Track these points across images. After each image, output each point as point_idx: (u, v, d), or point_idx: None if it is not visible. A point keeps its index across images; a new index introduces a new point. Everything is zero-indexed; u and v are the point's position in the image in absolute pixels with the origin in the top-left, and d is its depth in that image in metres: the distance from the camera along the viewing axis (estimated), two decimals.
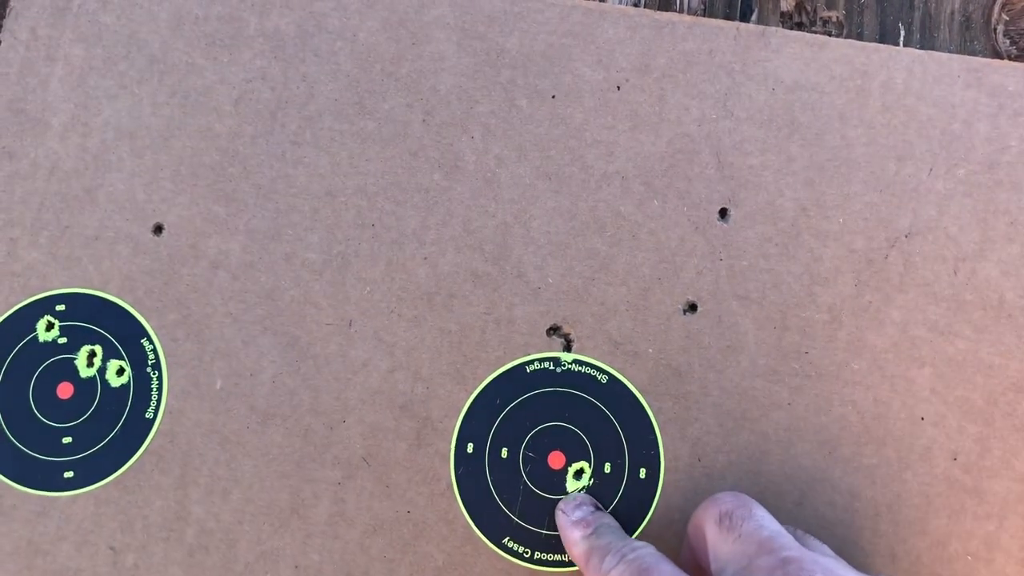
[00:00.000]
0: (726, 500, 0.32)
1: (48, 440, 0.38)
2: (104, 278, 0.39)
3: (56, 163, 0.40)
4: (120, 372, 0.38)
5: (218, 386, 0.38)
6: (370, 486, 0.37)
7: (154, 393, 0.38)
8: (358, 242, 0.39)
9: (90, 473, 0.38)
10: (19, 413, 0.38)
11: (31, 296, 0.39)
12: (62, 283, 0.39)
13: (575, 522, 0.35)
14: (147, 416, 0.38)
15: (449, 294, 0.38)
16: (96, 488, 0.38)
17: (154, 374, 0.38)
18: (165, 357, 0.38)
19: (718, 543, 0.30)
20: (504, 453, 0.37)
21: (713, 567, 0.30)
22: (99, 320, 0.39)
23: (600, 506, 0.37)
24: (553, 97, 0.40)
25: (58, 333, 0.39)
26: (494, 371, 0.38)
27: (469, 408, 0.38)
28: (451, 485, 0.37)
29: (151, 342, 0.38)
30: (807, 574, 0.26)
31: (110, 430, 0.38)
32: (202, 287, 0.39)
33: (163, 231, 0.39)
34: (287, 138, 0.40)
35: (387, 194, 0.39)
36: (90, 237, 0.39)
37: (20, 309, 0.39)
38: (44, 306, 0.39)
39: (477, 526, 0.37)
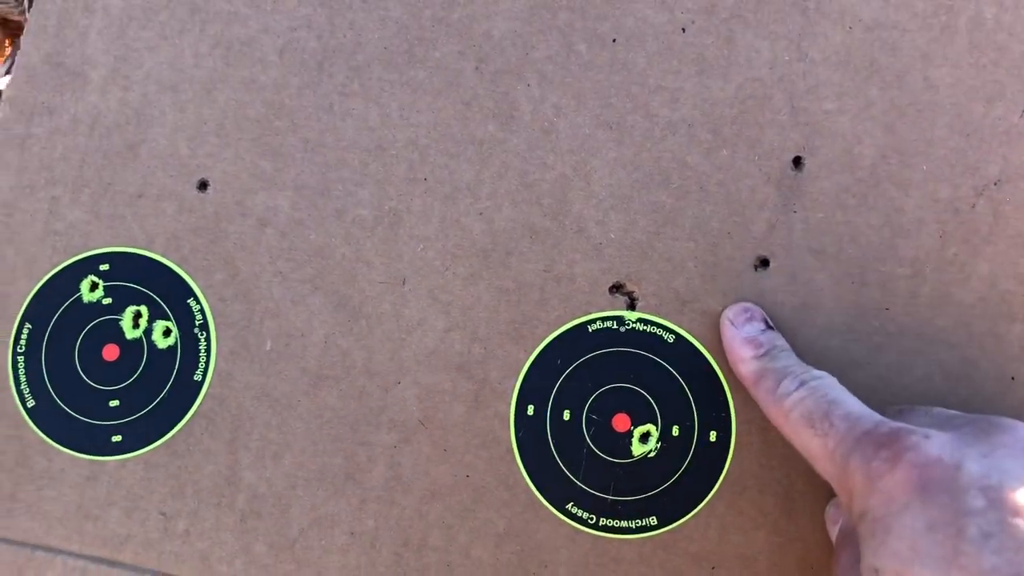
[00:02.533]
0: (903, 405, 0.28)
1: (95, 403, 0.34)
2: (149, 237, 0.34)
3: (97, 118, 0.35)
4: (167, 333, 0.34)
5: (268, 347, 0.34)
6: (427, 450, 0.33)
7: (202, 354, 0.34)
8: (410, 197, 0.34)
9: (138, 437, 0.33)
10: (65, 376, 0.34)
11: (74, 256, 0.34)
12: (105, 242, 0.35)
13: (747, 339, 0.31)
14: (195, 378, 0.34)
15: (506, 251, 0.33)
16: (145, 452, 0.33)
17: (202, 335, 0.34)
18: (213, 317, 0.34)
19: (910, 419, 0.27)
20: (566, 415, 0.33)
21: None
22: (144, 280, 0.34)
23: (771, 322, 0.32)
24: (614, 41, 0.34)
25: (103, 293, 0.34)
26: (554, 331, 0.33)
27: (529, 369, 0.33)
28: (511, 448, 0.33)
29: (198, 302, 0.34)
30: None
31: (158, 393, 0.34)
32: (250, 245, 0.34)
33: (208, 187, 0.35)
34: (335, 89, 0.35)
35: (439, 146, 0.34)
36: (133, 195, 0.35)
37: (63, 269, 0.34)
38: (88, 266, 0.34)
39: (539, 491, 0.32)
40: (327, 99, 0.36)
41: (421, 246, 0.35)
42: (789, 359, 0.30)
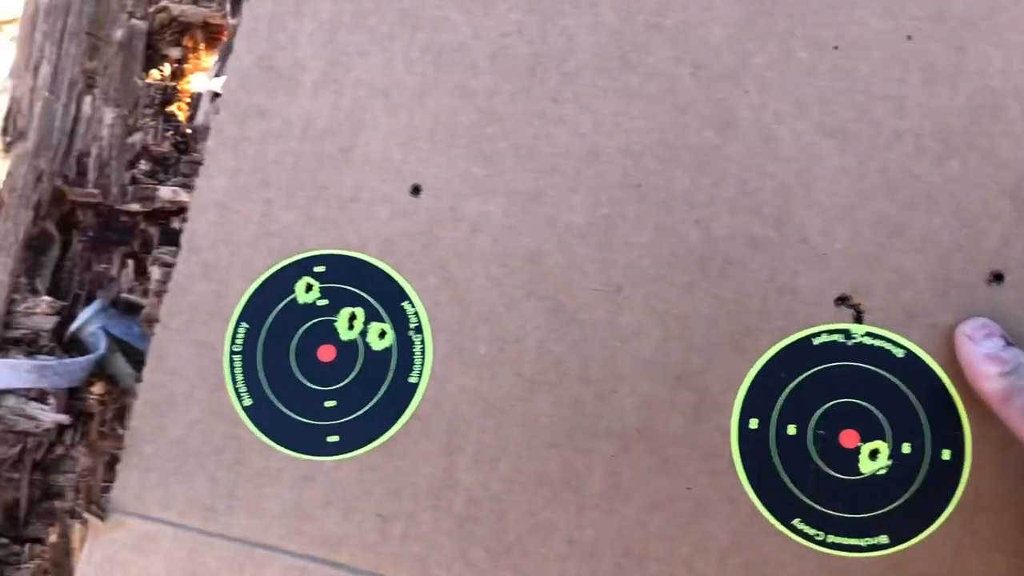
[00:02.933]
0: None
1: (311, 403, 0.34)
2: (362, 240, 0.34)
3: (309, 122, 0.35)
4: (382, 335, 0.34)
5: (482, 351, 0.33)
6: (647, 460, 0.32)
7: (417, 357, 0.34)
8: (624, 204, 0.33)
9: (354, 438, 0.33)
10: (281, 375, 0.34)
11: (289, 257, 0.35)
12: (319, 244, 0.35)
13: (989, 356, 0.30)
14: (411, 380, 0.33)
15: (725, 260, 0.33)
16: (361, 453, 0.33)
17: (417, 338, 0.34)
18: (428, 321, 0.34)
19: None
20: (791, 430, 0.32)
21: None
22: (359, 282, 0.34)
23: (1009, 338, 0.31)
24: (836, 48, 0.33)
25: (318, 295, 0.34)
26: (777, 343, 0.32)
27: (751, 382, 0.32)
28: (733, 462, 0.32)
29: (413, 305, 0.34)
30: None
31: (374, 394, 0.34)
32: (463, 250, 0.34)
33: (421, 192, 0.34)
34: (546, 95, 0.34)
35: (654, 153, 0.34)
36: (347, 198, 0.35)
37: (280, 270, 0.34)
38: (303, 267, 0.34)
39: (764, 506, 0.31)
40: (539, 105, 0.35)
41: (636, 253, 0.34)
42: None
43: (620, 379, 0.33)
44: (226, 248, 0.36)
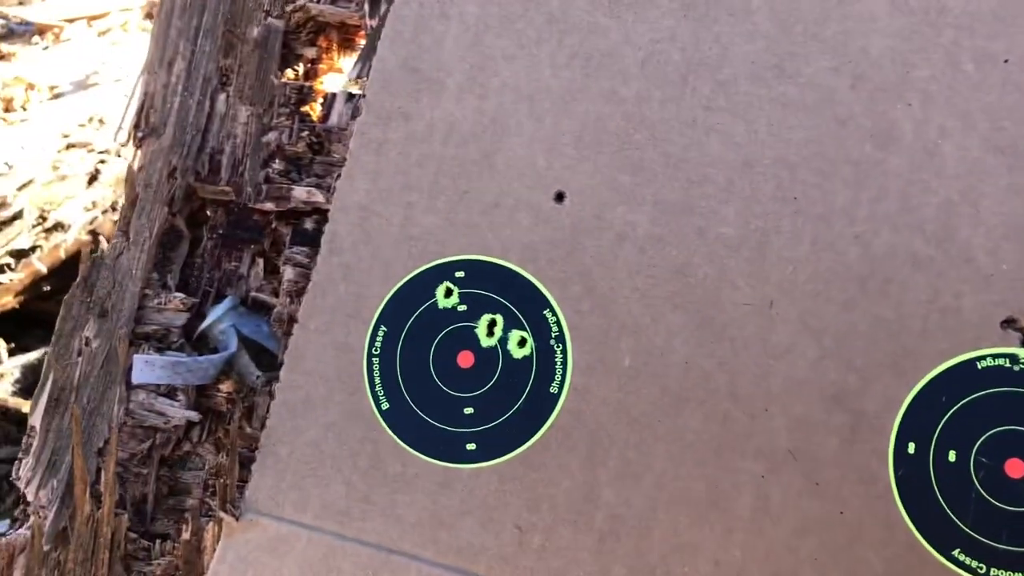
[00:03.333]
0: None
1: (449, 409, 0.34)
2: (504, 246, 0.34)
3: (452, 126, 0.35)
4: (522, 343, 0.34)
5: (626, 363, 0.33)
6: (798, 482, 0.31)
7: (558, 367, 0.33)
8: (779, 217, 0.33)
9: (493, 446, 0.33)
10: (420, 380, 0.34)
11: (430, 262, 0.35)
12: (460, 249, 0.35)
13: None
14: (551, 391, 0.33)
15: (885, 278, 0.32)
16: (500, 463, 0.33)
17: (558, 347, 0.33)
18: (569, 330, 0.33)
19: None
20: (952, 456, 0.31)
21: None
22: (499, 289, 0.34)
23: None
24: (1006, 61, 0.32)
25: (458, 300, 0.34)
26: (938, 366, 0.31)
27: (910, 404, 0.31)
28: (890, 487, 0.31)
29: (554, 314, 0.34)
30: None
31: (513, 403, 0.33)
32: (607, 259, 0.34)
33: (565, 199, 0.34)
34: (699, 103, 0.34)
35: (811, 165, 0.33)
36: (489, 204, 0.35)
37: (420, 274, 0.35)
38: (443, 272, 0.34)
39: (921, 534, 0.30)
40: (690, 113, 0.35)
41: (791, 268, 0.33)
42: None
43: (772, 398, 0.33)
44: (367, 250, 0.36)
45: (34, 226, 1.06)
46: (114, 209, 1.14)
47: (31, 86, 1.15)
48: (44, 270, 1.05)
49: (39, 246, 1.05)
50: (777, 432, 0.33)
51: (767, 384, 0.33)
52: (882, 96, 0.34)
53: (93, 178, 1.15)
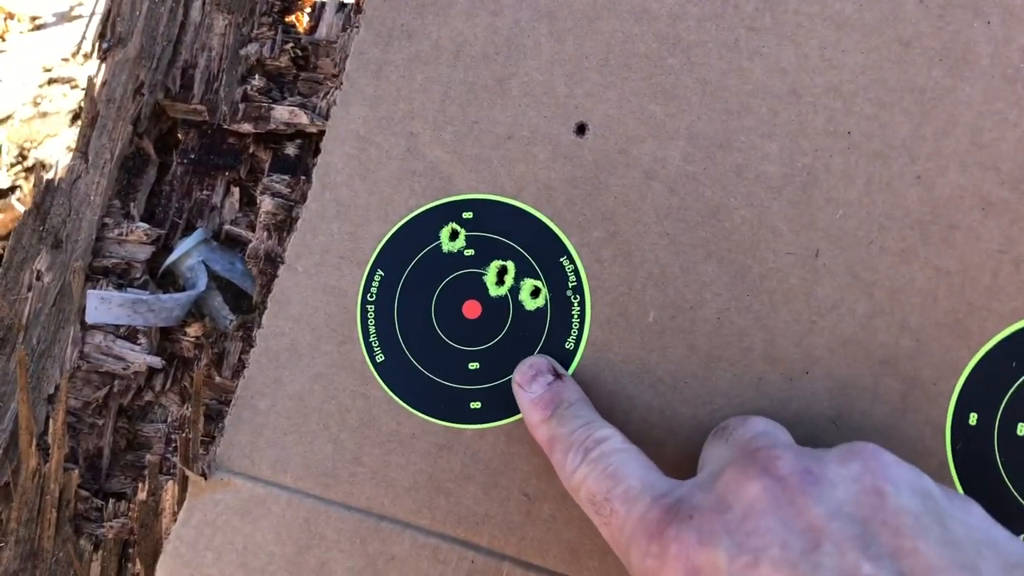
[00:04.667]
0: (729, 418, 0.28)
1: (452, 364, 0.32)
2: (517, 184, 0.32)
3: (461, 46, 0.33)
4: (535, 293, 0.31)
5: (651, 318, 0.31)
6: None
7: (575, 321, 0.31)
8: (829, 154, 0.30)
9: (500, 406, 0.31)
10: (420, 331, 0.32)
11: (434, 200, 0.32)
12: (469, 187, 0.32)
13: (533, 401, 0.29)
14: (567, 346, 0.31)
15: (949, 224, 0.29)
16: (507, 423, 0.31)
17: (575, 299, 0.31)
18: (588, 280, 0.31)
19: (706, 450, 0.28)
20: (1020, 429, 0.28)
21: (698, 472, 0.27)
22: (511, 232, 0.32)
23: (560, 370, 0.31)
24: None
25: (464, 244, 0.32)
26: (1008, 326, 0.29)
27: (973, 370, 0.29)
28: (946, 461, 0.29)
29: (572, 262, 0.31)
30: (773, 459, 0.24)
31: (523, 358, 0.31)
32: (633, 201, 0.31)
33: (587, 132, 0.32)
34: (741, 22, 0.31)
35: (868, 94, 0.30)
36: (501, 136, 0.32)
37: (421, 214, 0.32)
38: (448, 212, 0.32)
39: None
40: (732, 34, 0.32)
41: (840, 212, 0.31)
42: (575, 419, 0.28)
43: (813, 360, 0.31)
44: (363, 185, 0.33)
45: (13, 165, 1.04)
46: None
47: (11, 15, 1.12)
48: (22, 211, 1.04)
49: (18, 186, 1.04)
50: (818, 398, 0.30)
51: (808, 344, 0.31)
52: (955, 12, 0.31)
53: (76, 116, 1.13)
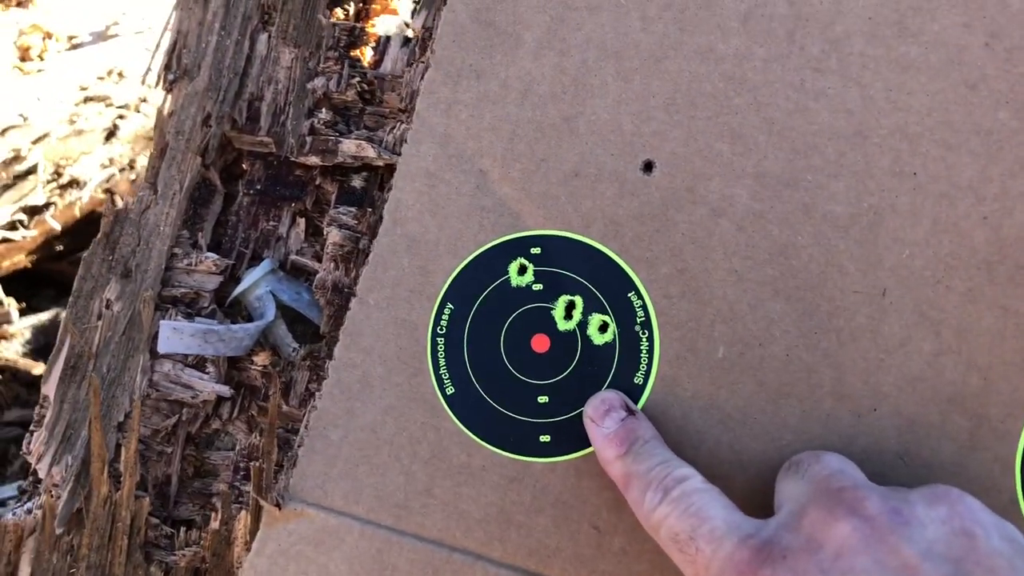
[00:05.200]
0: (801, 453, 0.30)
1: (522, 397, 0.33)
2: (585, 220, 0.33)
3: (529, 85, 0.34)
4: (603, 328, 0.32)
5: (720, 354, 0.32)
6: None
7: (643, 356, 0.32)
8: (895, 194, 0.31)
9: (569, 439, 0.32)
10: (489, 364, 0.33)
11: (503, 236, 0.33)
12: (537, 223, 0.33)
13: (607, 437, 0.30)
14: (636, 381, 0.32)
15: (1016, 265, 0.30)
16: (577, 457, 0.32)
17: (643, 334, 0.32)
18: (656, 316, 0.32)
19: (781, 486, 0.29)
20: None
21: (775, 511, 0.28)
22: (579, 267, 0.33)
23: (632, 406, 0.31)
24: None
25: (532, 278, 0.33)
26: None
27: None
28: (1016, 499, 0.30)
29: (640, 297, 0.32)
30: (860, 500, 0.25)
31: (592, 392, 0.32)
32: (701, 237, 0.32)
33: (654, 169, 0.33)
34: (807, 64, 0.32)
35: (934, 136, 0.31)
36: (569, 173, 0.33)
37: (490, 249, 0.33)
38: (517, 247, 0.33)
39: None
40: (798, 75, 0.33)
41: (907, 252, 0.31)
42: (652, 456, 0.29)
43: (881, 397, 0.31)
44: (433, 221, 0.35)
45: (48, 182, 1.06)
46: (132, 167, 1.14)
47: (48, 35, 1.15)
48: (58, 228, 1.05)
49: (53, 203, 1.06)
50: (886, 434, 0.31)
51: (876, 381, 0.31)
52: (1022, 55, 0.32)
53: (111, 134, 1.15)
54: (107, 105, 1.16)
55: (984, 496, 0.30)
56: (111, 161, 1.15)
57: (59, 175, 1.11)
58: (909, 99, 0.32)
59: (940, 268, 0.32)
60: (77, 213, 1.10)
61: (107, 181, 1.13)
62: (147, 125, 1.17)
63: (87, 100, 1.15)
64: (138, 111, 1.17)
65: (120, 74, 1.19)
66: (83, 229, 1.12)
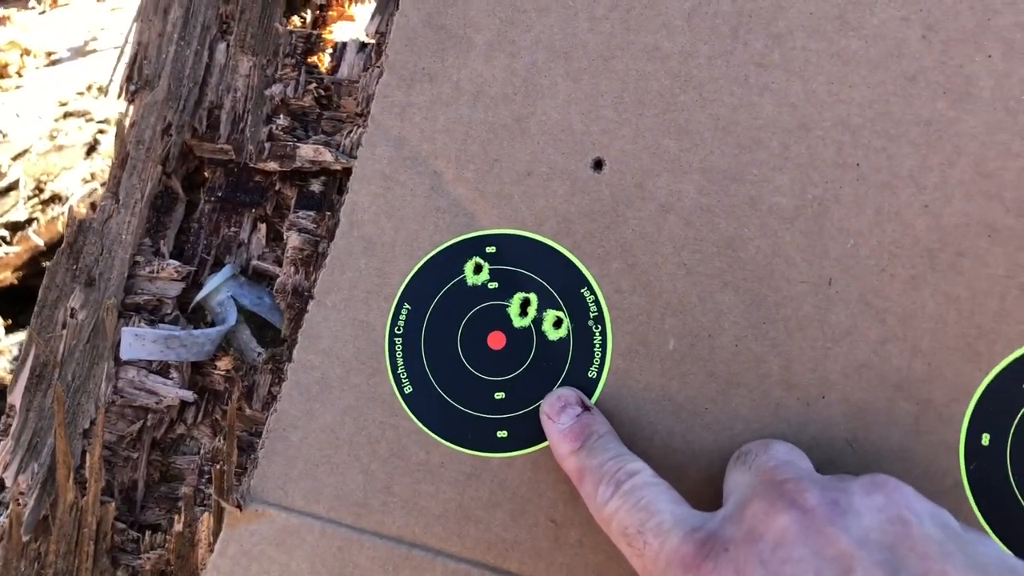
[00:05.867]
0: (750, 442, 0.31)
1: (479, 394, 0.33)
2: (538, 219, 0.34)
3: (481, 87, 0.35)
4: (558, 324, 0.33)
5: (671, 346, 0.32)
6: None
7: (597, 350, 0.33)
8: (839, 185, 0.32)
9: (526, 434, 0.33)
10: (447, 362, 0.34)
11: (458, 235, 0.34)
12: (491, 223, 0.34)
13: (563, 432, 0.31)
14: (589, 375, 0.33)
15: (957, 252, 0.31)
16: (533, 451, 0.33)
17: (596, 328, 0.33)
18: (608, 310, 0.33)
19: (729, 476, 0.30)
20: None
21: (724, 500, 0.29)
22: (533, 265, 0.33)
23: (588, 402, 0.32)
24: None
25: (488, 277, 0.34)
26: (1017, 349, 0.30)
27: (984, 392, 0.30)
28: (961, 482, 0.30)
29: (592, 292, 0.33)
30: (800, 492, 0.25)
31: (548, 388, 0.33)
32: (650, 233, 0.33)
33: (604, 167, 0.34)
34: (751, 59, 0.33)
35: (875, 127, 0.32)
36: (521, 172, 0.34)
37: (446, 248, 0.34)
38: (473, 246, 0.34)
39: (996, 533, 0.30)
40: (741, 71, 0.34)
41: (851, 242, 0.32)
42: (605, 451, 0.30)
43: (829, 384, 0.32)
44: (389, 223, 0.35)
45: (30, 198, 1.06)
46: None
47: (27, 51, 1.15)
48: (42, 244, 1.06)
49: (35, 219, 1.06)
50: (834, 421, 0.32)
51: (824, 369, 0.32)
52: (958, 47, 0.32)
53: (92, 148, 1.16)
54: (87, 120, 1.16)
55: (930, 480, 0.31)
56: (92, 176, 1.16)
57: (40, 191, 1.11)
58: (851, 91, 0.33)
59: (884, 257, 0.32)
60: (60, 228, 1.11)
61: (89, 196, 1.14)
62: None
63: (67, 115, 1.15)
64: (111, 124, 1.18)
65: (100, 89, 1.19)
66: None
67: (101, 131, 1.15)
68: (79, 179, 1.14)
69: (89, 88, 1.19)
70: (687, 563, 0.25)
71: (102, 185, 1.13)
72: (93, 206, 1.13)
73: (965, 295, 0.32)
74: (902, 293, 0.32)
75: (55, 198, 1.11)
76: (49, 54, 1.17)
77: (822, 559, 0.23)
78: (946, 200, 0.32)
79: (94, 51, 1.20)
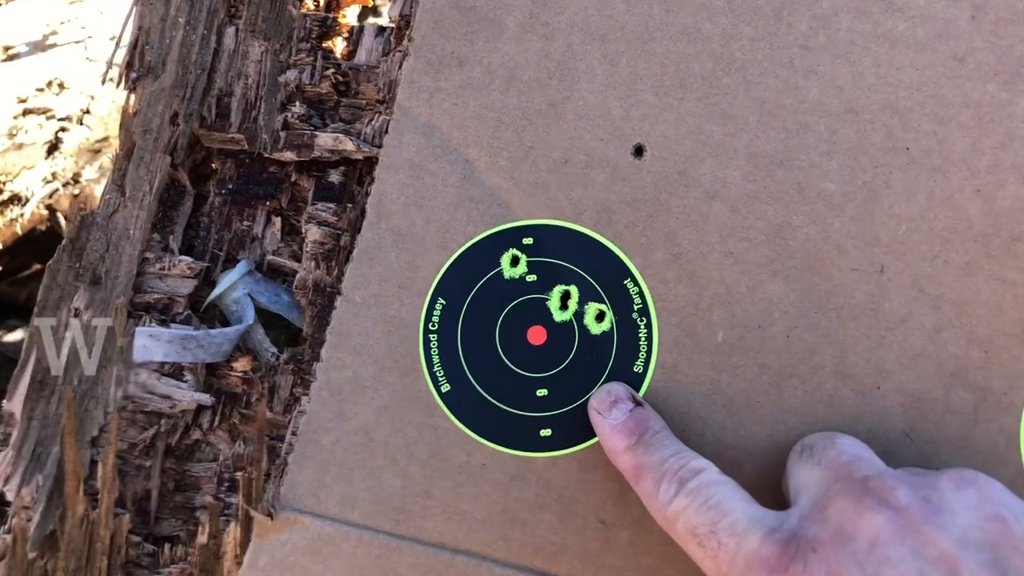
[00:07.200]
0: (811, 435, 0.30)
1: (520, 392, 0.33)
2: (576, 208, 0.33)
3: (514, 71, 0.34)
4: (600, 317, 0.32)
5: (719, 339, 0.32)
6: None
7: (642, 343, 0.32)
8: (889, 170, 0.32)
9: (571, 432, 0.32)
10: (485, 359, 0.33)
11: (493, 227, 0.33)
12: (528, 213, 0.33)
13: (616, 428, 0.30)
14: (635, 369, 0.32)
15: (1011, 236, 0.31)
16: (580, 450, 0.32)
17: (641, 321, 0.32)
18: (653, 302, 0.32)
19: (795, 472, 0.29)
20: None
21: (791, 498, 0.28)
22: (573, 256, 0.33)
23: (639, 397, 0.32)
24: None
25: (526, 269, 0.33)
26: None
27: None
28: (1022, 472, 0.30)
29: (636, 284, 0.32)
30: (889, 490, 0.25)
31: (593, 384, 0.32)
32: (695, 221, 0.32)
33: (644, 153, 0.33)
34: (795, 41, 0.32)
35: (925, 110, 0.32)
36: (558, 160, 0.33)
37: (481, 241, 0.33)
38: (509, 238, 0.33)
39: None
40: (786, 53, 0.33)
41: (903, 228, 0.32)
42: (664, 447, 0.29)
43: (884, 374, 0.32)
44: (420, 214, 0.34)
45: None
46: (76, 181, 1.12)
47: None
48: None
49: None
50: (890, 412, 0.32)
51: (879, 359, 0.32)
52: (1008, 28, 0.32)
53: (53, 147, 1.13)
54: (48, 117, 1.13)
55: (991, 469, 0.31)
56: (54, 176, 1.12)
57: None
58: (898, 74, 0.33)
59: (937, 242, 0.32)
60: (18, 231, 1.08)
61: (50, 197, 1.11)
62: (92, 137, 1.14)
63: (26, 112, 1.12)
64: (81, 123, 1.15)
65: (61, 85, 1.16)
66: (24, 248, 1.10)
67: (63, 129, 1.12)
68: (40, 179, 1.11)
69: (49, 84, 1.15)
70: (771, 565, 0.25)
71: (64, 185, 1.10)
72: (51, 209, 1.10)
73: (1020, 280, 0.32)
74: (956, 279, 0.32)
75: (15, 199, 1.08)
76: (6, 48, 1.13)
77: (924, 560, 0.23)
78: (999, 184, 0.32)
79: (54, 45, 1.17)
